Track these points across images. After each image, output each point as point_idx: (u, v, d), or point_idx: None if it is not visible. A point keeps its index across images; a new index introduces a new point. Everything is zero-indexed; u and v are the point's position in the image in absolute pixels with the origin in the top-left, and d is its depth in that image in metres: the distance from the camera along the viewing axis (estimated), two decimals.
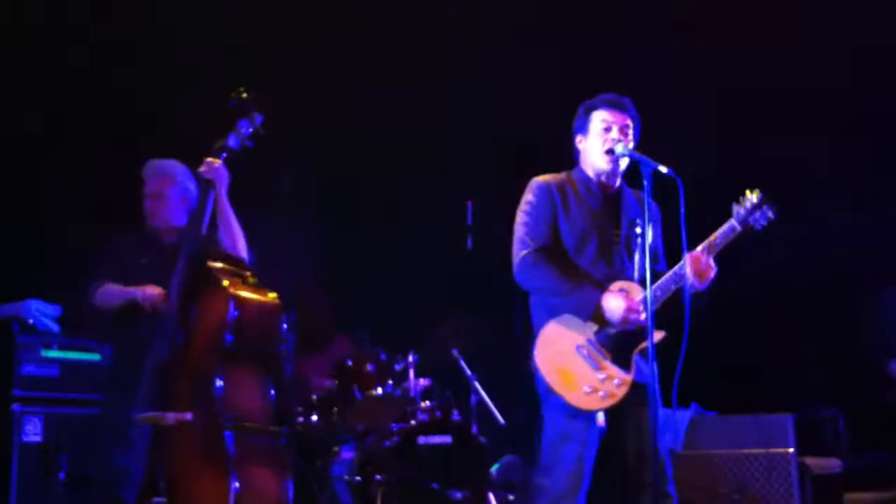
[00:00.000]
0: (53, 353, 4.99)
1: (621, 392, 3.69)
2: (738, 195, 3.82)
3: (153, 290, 4.12)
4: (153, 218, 4.40)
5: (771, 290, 6.92)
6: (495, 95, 6.90)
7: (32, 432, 4.81)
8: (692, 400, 5.71)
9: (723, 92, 6.57)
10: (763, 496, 5.37)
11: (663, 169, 3.57)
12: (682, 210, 3.49)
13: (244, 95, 4.26)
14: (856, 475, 5.92)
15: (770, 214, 3.80)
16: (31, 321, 5.05)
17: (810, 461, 5.62)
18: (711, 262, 3.73)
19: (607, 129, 3.87)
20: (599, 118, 3.90)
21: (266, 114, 4.26)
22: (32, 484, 4.77)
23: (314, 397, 5.93)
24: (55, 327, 5.12)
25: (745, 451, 5.46)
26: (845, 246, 6.60)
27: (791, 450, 5.41)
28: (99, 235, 4.55)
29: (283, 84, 6.12)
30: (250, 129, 4.25)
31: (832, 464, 5.86)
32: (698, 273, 3.69)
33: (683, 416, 5.57)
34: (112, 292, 4.26)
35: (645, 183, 3.61)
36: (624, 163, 3.87)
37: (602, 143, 3.87)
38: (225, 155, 4.23)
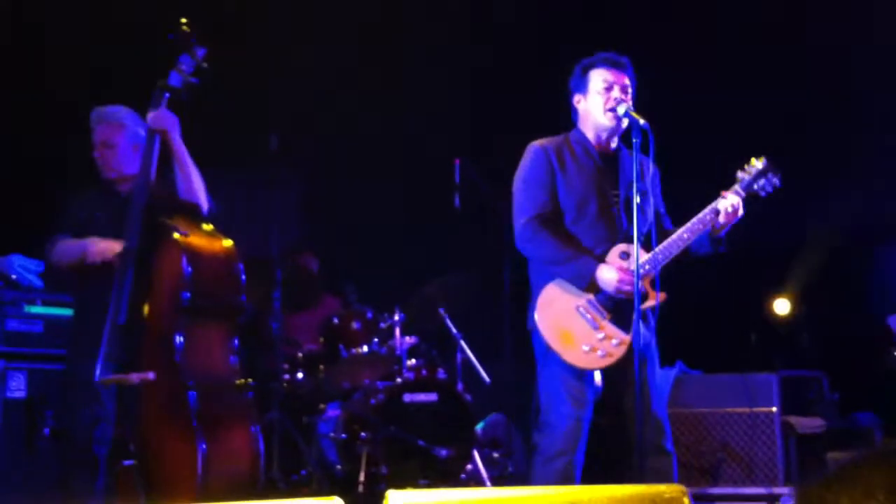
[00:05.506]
0: (37, 309, 4.95)
1: (619, 352, 3.72)
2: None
3: (102, 245, 3.97)
4: (105, 169, 4.21)
5: (759, 249, 6.91)
6: (482, 51, 6.84)
7: (16, 388, 4.79)
8: (677, 358, 5.73)
9: None
10: (746, 454, 5.41)
11: (641, 121, 3.62)
12: (651, 154, 3.64)
13: (184, 28, 3.96)
14: (839, 435, 5.96)
15: (776, 181, 3.83)
16: (13, 276, 4.99)
17: (794, 420, 5.66)
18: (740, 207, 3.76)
19: (608, 88, 3.87)
20: (600, 77, 3.89)
21: (208, 46, 3.95)
22: (17, 439, 4.75)
23: (300, 355, 5.93)
24: (38, 282, 5.07)
25: (729, 409, 5.49)
26: (841, 209, 6.57)
27: (774, 409, 5.45)
28: (60, 193, 4.39)
29: (263, 38, 6.03)
30: (193, 65, 3.96)
31: (816, 423, 5.90)
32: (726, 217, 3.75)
33: (668, 374, 5.59)
34: (66, 248, 4.13)
35: (634, 141, 3.64)
36: (625, 122, 3.85)
37: (604, 102, 3.86)
38: (167, 96, 3.97)
